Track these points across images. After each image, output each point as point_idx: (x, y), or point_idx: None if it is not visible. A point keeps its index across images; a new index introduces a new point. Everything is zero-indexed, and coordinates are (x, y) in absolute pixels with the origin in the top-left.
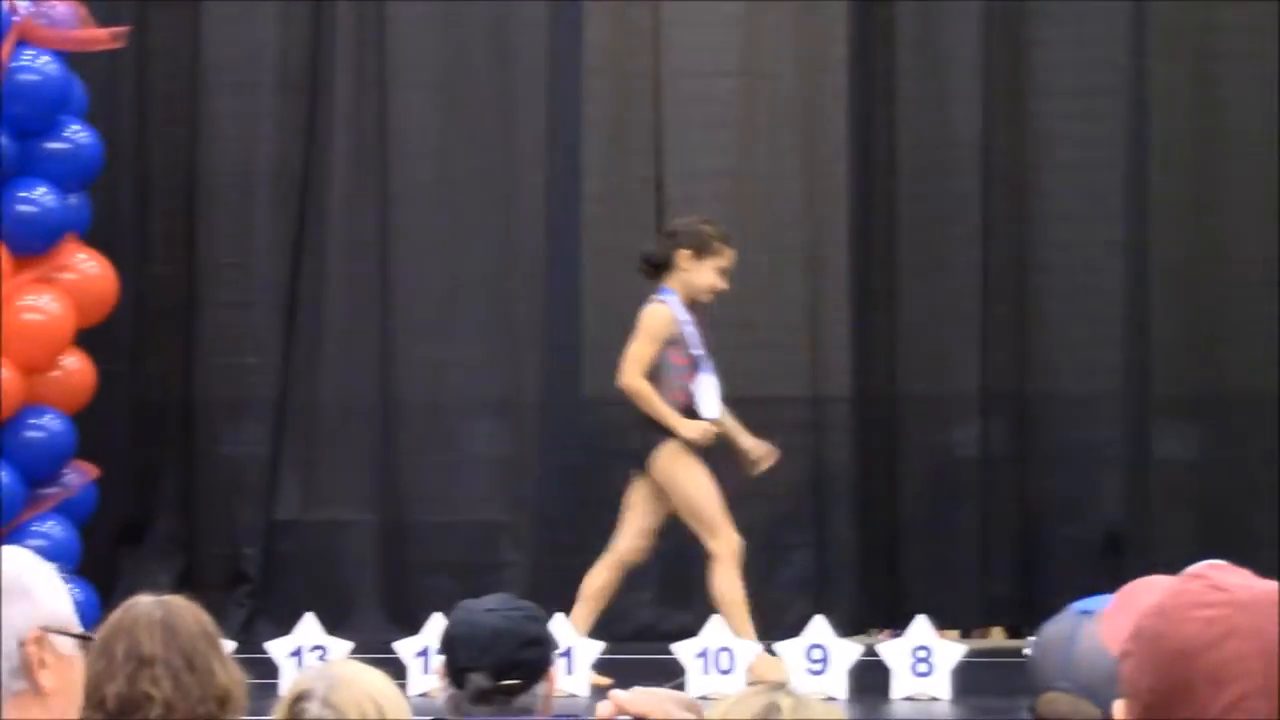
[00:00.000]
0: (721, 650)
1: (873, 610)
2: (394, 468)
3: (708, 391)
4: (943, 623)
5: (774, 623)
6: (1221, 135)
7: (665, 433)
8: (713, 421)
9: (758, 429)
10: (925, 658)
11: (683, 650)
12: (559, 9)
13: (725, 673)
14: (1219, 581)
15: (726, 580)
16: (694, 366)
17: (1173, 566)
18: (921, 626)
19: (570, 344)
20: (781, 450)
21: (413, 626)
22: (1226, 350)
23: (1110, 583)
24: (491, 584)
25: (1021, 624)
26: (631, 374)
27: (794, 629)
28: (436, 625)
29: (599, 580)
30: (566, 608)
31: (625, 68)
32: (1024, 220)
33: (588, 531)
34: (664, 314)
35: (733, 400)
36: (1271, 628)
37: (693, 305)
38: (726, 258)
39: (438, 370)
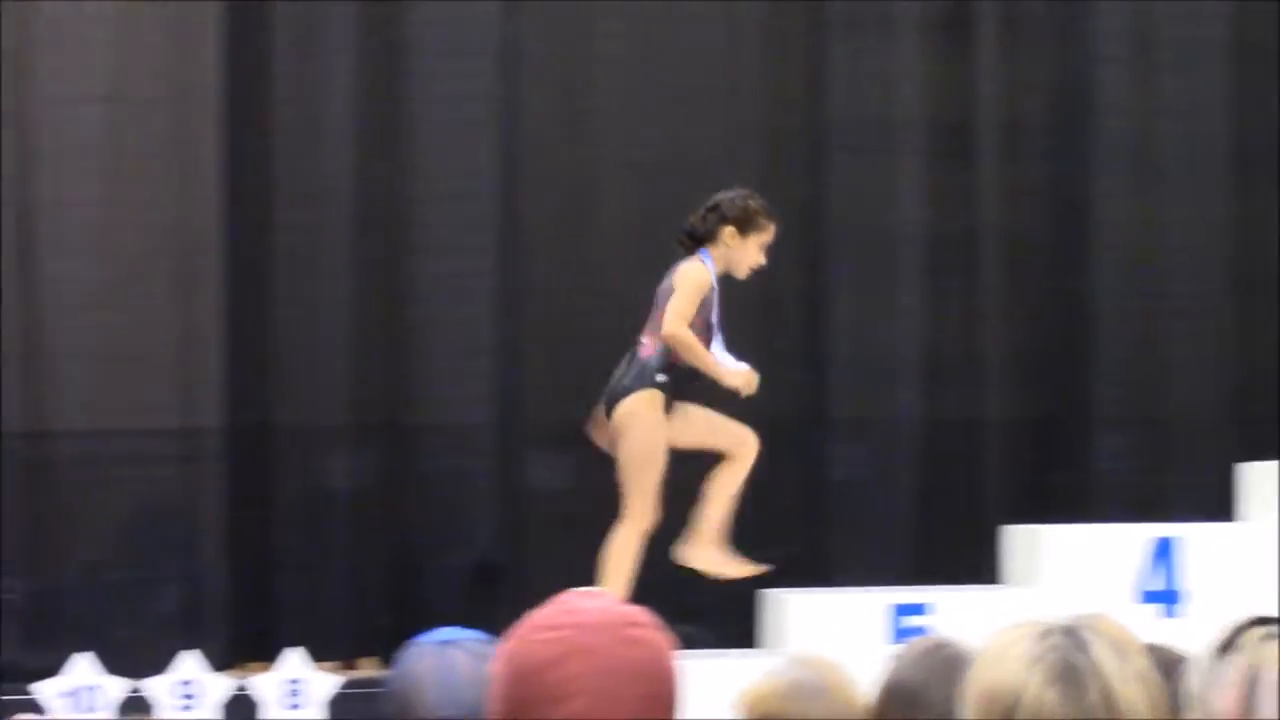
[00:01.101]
0: (87, 689)
1: (246, 644)
2: None
3: (721, 353)
4: (318, 655)
5: (145, 658)
6: (589, 164)
7: (648, 384)
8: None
9: (125, 462)
10: (297, 690)
11: (45, 690)
12: None
13: (90, 711)
14: (572, 606)
15: (624, 547)
16: (709, 331)
17: (546, 595)
18: (293, 659)
19: None
20: (151, 483)
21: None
22: (597, 380)
23: (485, 612)
24: None
25: (395, 655)
26: (675, 324)
27: (164, 664)
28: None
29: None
30: None
31: None
32: (398, 251)
33: None
34: (705, 274)
35: (104, 433)
36: (611, 648)
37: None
38: (771, 234)
39: None
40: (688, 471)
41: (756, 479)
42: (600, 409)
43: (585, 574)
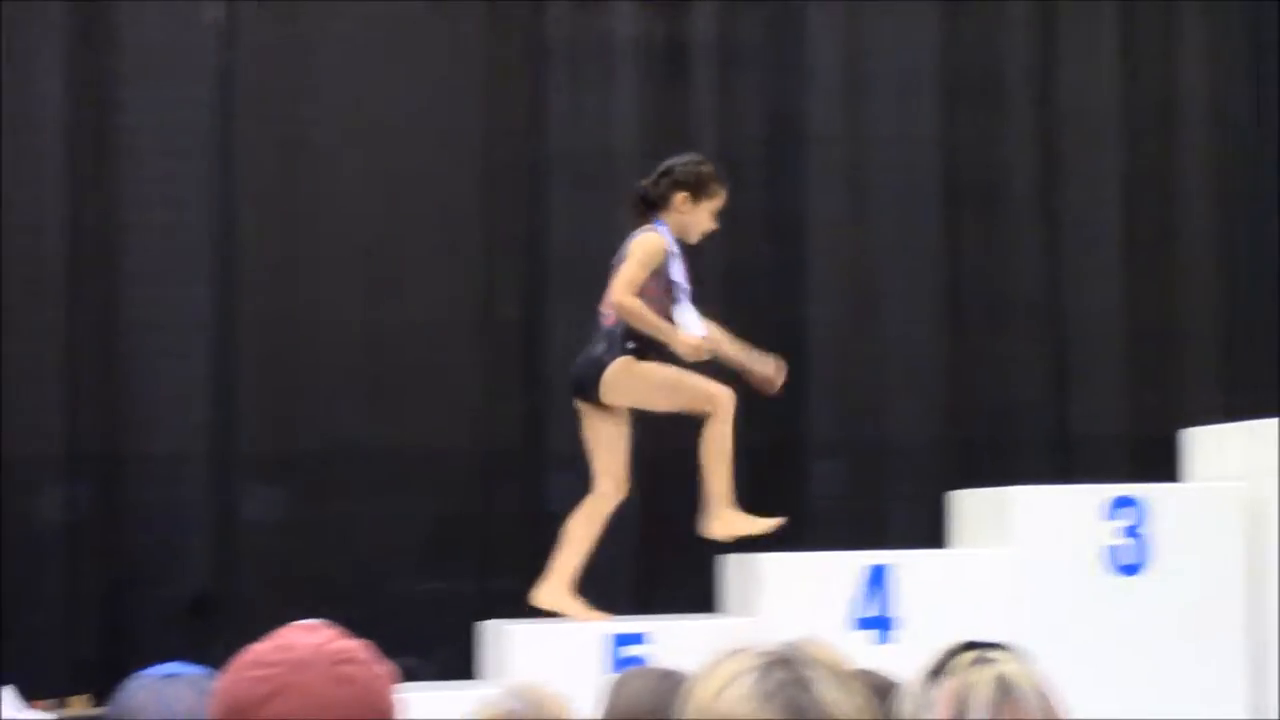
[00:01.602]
0: None
1: None
2: None
3: (689, 317)
4: (29, 693)
5: None
6: (306, 194)
7: (620, 353)
8: (703, 338)
9: None
10: None
11: None
12: None
13: None
14: (287, 641)
15: (586, 520)
16: (671, 295)
17: (263, 627)
18: (7, 697)
19: None
20: None
21: None
22: (312, 410)
23: (200, 645)
24: None
25: (108, 691)
26: (622, 292)
27: None
28: None
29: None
30: None
31: None
32: (113, 280)
33: None
34: (659, 243)
35: None
36: (323, 686)
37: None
38: (721, 199)
39: None
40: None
41: (478, 510)
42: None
43: (300, 606)
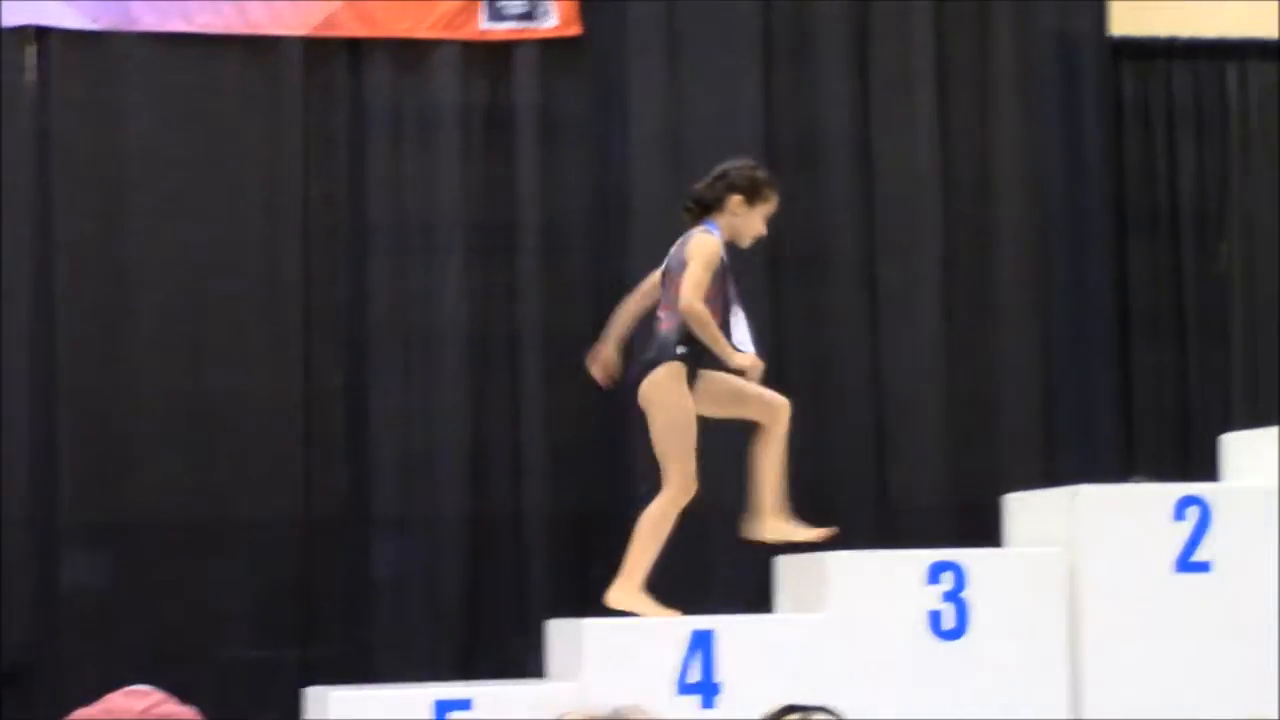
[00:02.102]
0: None
1: None
2: None
3: (743, 331)
4: None
5: None
6: (125, 260)
7: (669, 357)
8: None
9: None
10: None
11: None
12: None
13: None
14: (112, 705)
15: (659, 520)
16: (726, 304)
17: (87, 695)
18: None
19: None
20: None
21: None
22: (134, 477)
23: (17, 713)
24: None
25: None
26: (694, 296)
27: None
28: None
29: None
30: None
31: None
32: None
33: None
34: (715, 244)
35: None
36: None
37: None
38: (774, 204)
39: None
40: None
41: (301, 577)
42: (614, 355)
43: (122, 673)
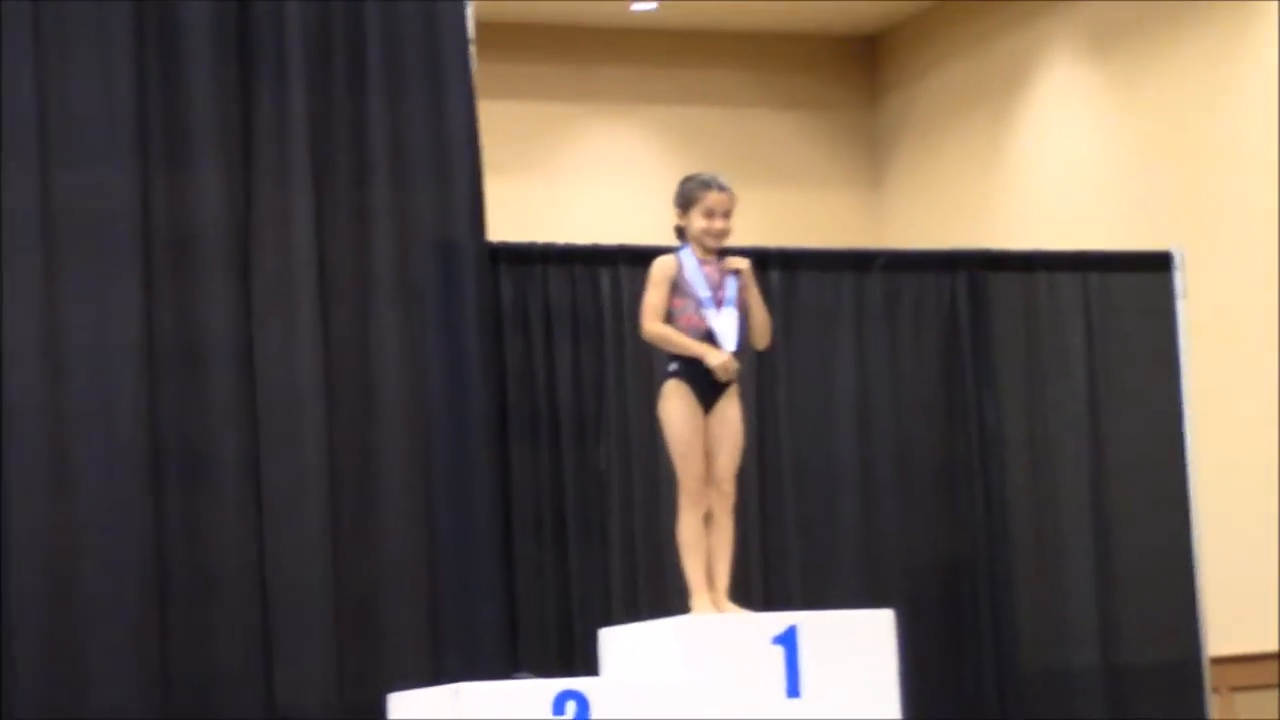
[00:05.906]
0: None
1: None
2: None
3: (724, 325)
4: None
5: None
6: None
7: (665, 377)
8: (733, 354)
9: None
10: None
11: None
12: None
13: None
14: None
15: (690, 532)
16: (699, 305)
17: None
18: None
19: None
20: None
21: None
22: None
23: None
24: None
25: None
26: (646, 320)
27: None
28: None
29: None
30: None
31: None
32: None
33: None
34: (666, 261)
35: None
36: None
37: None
38: (710, 199)
39: None
40: None
41: None
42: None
43: None
